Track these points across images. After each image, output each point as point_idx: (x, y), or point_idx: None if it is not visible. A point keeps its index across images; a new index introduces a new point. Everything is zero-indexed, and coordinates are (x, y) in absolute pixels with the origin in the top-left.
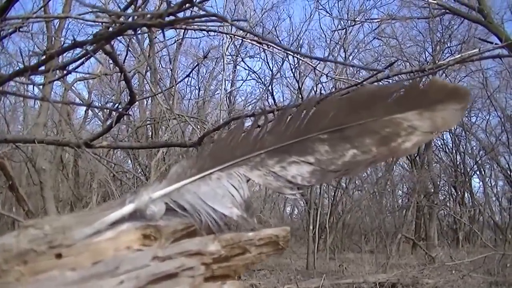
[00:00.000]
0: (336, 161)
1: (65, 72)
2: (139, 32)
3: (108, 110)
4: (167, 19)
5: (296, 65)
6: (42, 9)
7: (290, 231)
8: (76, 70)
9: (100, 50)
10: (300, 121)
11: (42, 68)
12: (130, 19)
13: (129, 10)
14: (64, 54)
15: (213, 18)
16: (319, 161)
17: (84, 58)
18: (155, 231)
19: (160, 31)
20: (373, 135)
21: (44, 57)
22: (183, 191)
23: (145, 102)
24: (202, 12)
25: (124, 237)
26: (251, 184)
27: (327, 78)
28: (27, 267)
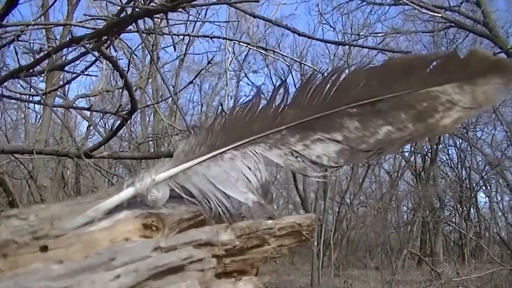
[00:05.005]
0: (367, 139)
1: (65, 74)
2: (143, 31)
3: (110, 127)
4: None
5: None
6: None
7: (315, 219)
8: (75, 77)
9: (100, 55)
10: (326, 93)
11: (40, 68)
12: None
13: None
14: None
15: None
16: (348, 138)
17: (83, 56)
18: (157, 220)
19: (162, 33)
20: (408, 110)
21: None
22: (191, 173)
23: (147, 119)
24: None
25: (121, 226)
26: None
27: None
28: (7, 261)
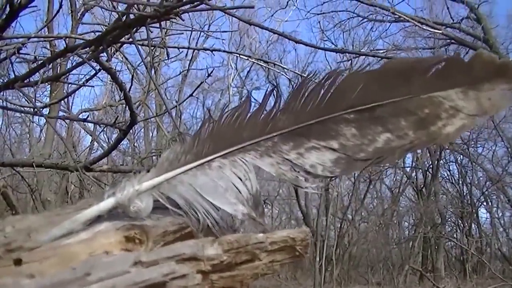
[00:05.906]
0: (365, 147)
1: (68, 87)
2: (140, 42)
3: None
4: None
5: None
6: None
7: (309, 233)
8: (76, 89)
9: (100, 69)
10: (321, 97)
11: (36, 77)
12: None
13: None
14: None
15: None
16: (344, 146)
17: (78, 66)
18: (140, 232)
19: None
20: (409, 116)
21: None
22: (176, 183)
23: (151, 134)
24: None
25: (101, 239)
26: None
27: None
28: None
